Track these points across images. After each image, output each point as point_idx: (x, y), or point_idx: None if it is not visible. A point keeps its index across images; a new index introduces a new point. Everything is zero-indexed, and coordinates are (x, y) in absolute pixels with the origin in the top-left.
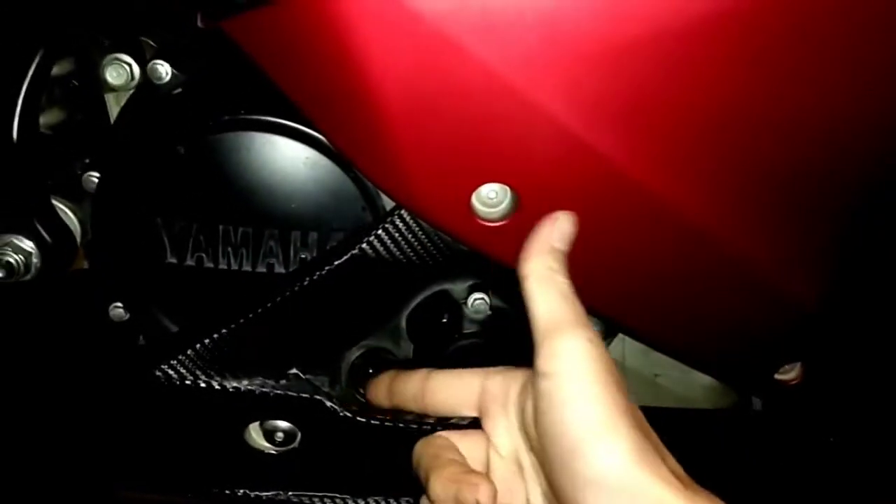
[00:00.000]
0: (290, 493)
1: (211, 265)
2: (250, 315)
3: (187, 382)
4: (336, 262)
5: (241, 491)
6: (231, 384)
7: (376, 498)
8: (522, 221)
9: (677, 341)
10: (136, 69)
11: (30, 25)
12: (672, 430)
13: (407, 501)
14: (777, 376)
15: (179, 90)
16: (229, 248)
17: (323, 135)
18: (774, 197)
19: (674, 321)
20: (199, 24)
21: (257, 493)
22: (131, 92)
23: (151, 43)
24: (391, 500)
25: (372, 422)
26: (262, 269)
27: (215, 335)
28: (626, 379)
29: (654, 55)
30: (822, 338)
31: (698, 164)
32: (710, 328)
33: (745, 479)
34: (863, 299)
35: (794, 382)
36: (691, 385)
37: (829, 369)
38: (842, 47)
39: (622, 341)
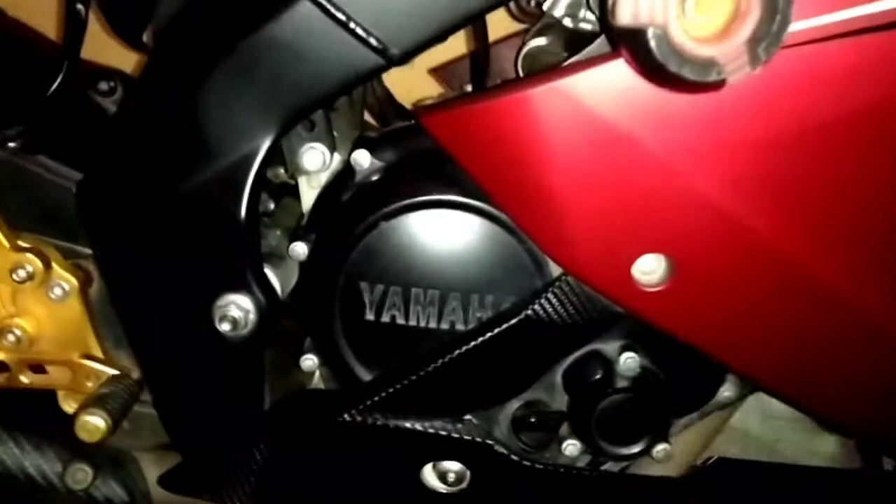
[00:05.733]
0: None
1: (402, 322)
2: (432, 367)
3: (376, 422)
4: (510, 323)
5: None
6: (412, 425)
7: None
8: (678, 287)
9: (817, 402)
10: (328, 156)
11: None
12: (799, 487)
13: None
14: None
15: (377, 176)
16: (419, 308)
17: (504, 213)
18: None
19: (817, 383)
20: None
21: None
22: (322, 174)
23: (335, 133)
24: None
25: (537, 466)
26: (444, 326)
27: (403, 383)
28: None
29: (810, 146)
30: None
31: (846, 241)
32: (851, 389)
33: None
34: None
35: None
36: (813, 451)
37: None
38: None
39: (739, 409)
